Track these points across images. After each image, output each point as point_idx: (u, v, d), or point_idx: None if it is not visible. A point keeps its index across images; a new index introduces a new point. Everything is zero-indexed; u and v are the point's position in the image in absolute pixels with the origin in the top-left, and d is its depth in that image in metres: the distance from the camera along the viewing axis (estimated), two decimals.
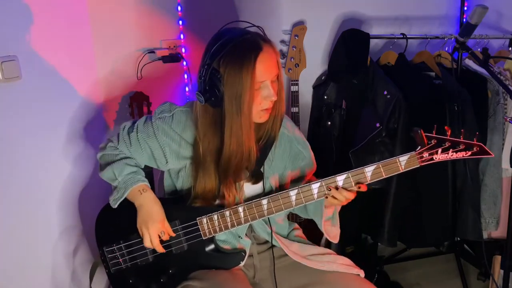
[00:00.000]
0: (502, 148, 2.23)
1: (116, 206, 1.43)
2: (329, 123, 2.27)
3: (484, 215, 2.27)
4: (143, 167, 1.50)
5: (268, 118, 1.39)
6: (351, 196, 1.36)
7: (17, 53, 1.61)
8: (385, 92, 2.07)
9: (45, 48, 1.71)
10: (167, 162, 1.45)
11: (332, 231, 1.52)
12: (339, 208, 1.51)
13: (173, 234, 1.42)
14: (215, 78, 1.28)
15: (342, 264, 1.49)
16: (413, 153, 1.33)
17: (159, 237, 1.40)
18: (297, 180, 1.56)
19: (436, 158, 1.32)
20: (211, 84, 1.28)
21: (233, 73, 1.26)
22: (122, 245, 1.45)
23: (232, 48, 1.27)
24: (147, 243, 1.40)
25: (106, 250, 1.46)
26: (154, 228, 1.39)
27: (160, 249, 1.41)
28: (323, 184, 1.37)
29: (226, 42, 1.27)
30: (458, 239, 2.41)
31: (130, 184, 1.41)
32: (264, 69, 1.29)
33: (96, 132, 1.95)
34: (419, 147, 1.32)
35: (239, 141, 1.32)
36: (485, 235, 2.32)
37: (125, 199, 1.43)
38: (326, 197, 1.38)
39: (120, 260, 1.45)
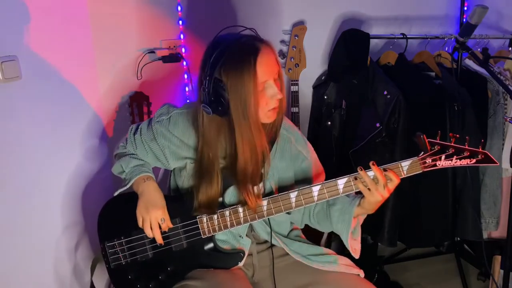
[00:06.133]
0: (502, 148, 2.23)
1: (116, 194, 1.48)
2: (329, 123, 2.27)
3: (484, 215, 2.27)
4: (152, 166, 1.53)
5: (276, 117, 1.39)
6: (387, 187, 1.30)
7: (17, 53, 1.61)
8: (385, 92, 2.07)
9: (45, 48, 1.70)
10: (168, 163, 1.49)
11: (354, 245, 1.48)
12: (361, 220, 1.48)
13: (172, 226, 1.42)
14: (218, 87, 1.28)
15: (342, 264, 1.49)
16: (415, 158, 1.30)
17: (159, 226, 1.40)
18: (301, 183, 1.53)
19: (439, 165, 1.29)
20: (215, 94, 1.29)
21: (235, 79, 1.26)
22: (123, 240, 1.46)
23: (231, 55, 1.27)
24: (147, 230, 1.40)
25: (107, 245, 1.46)
26: (155, 214, 1.38)
27: (159, 238, 1.40)
28: (324, 187, 1.36)
29: (223, 50, 1.28)
30: (458, 239, 2.42)
31: (135, 175, 1.44)
32: (265, 69, 1.29)
33: (95, 132, 1.95)
34: (422, 152, 1.29)
35: (252, 145, 1.32)
36: (485, 235, 2.32)
37: (130, 194, 1.45)
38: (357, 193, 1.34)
39: (120, 255, 1.46)
